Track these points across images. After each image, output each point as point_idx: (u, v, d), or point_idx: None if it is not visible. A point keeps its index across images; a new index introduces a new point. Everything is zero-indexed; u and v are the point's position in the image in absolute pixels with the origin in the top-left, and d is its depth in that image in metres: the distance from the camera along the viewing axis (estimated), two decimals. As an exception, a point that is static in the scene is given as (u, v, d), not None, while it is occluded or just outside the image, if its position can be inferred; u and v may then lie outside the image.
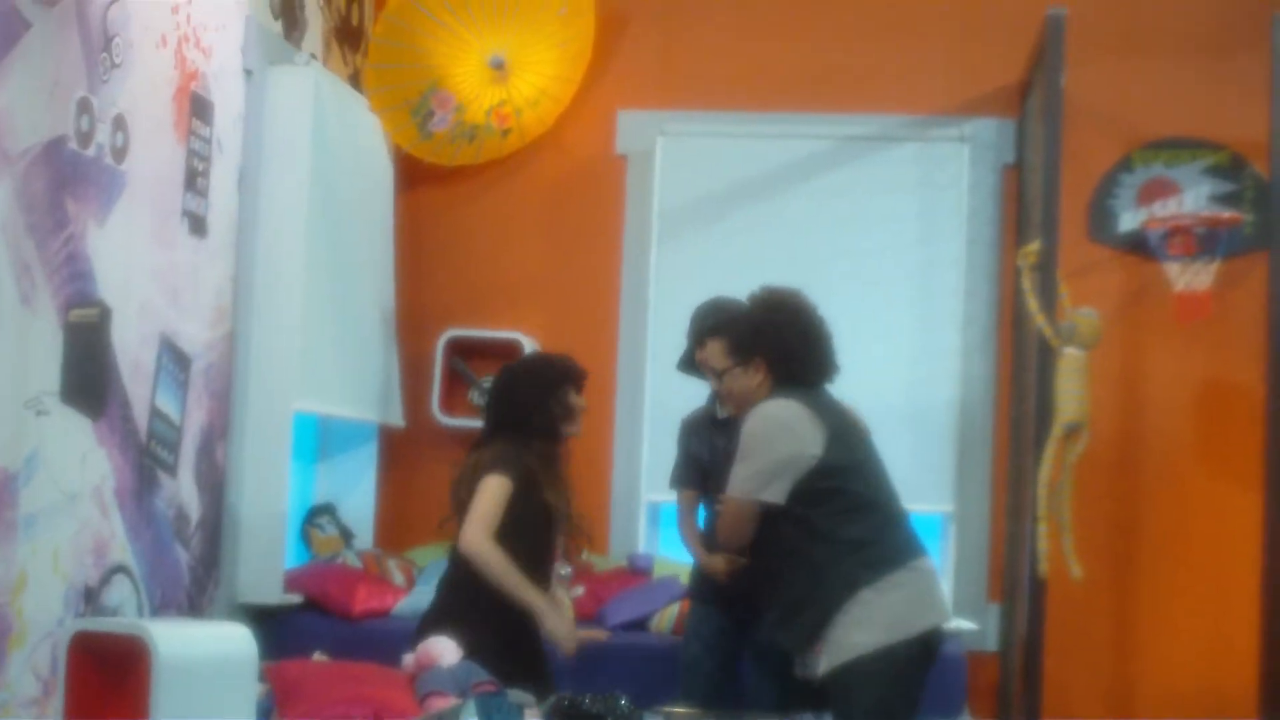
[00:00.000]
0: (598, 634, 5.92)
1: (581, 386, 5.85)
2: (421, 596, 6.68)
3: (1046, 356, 6.46)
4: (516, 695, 4.89)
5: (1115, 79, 7.40)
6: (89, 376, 5.31)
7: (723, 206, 7.72)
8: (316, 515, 7.43)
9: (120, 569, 5.54)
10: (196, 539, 6.17)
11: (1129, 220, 7.36)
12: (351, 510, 7.55)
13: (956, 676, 6.55)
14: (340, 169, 7.04)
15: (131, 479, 5.60)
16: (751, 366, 5.45)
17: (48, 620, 5.08)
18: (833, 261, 7.51)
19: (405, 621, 6.52)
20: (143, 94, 5.59)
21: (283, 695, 4.83)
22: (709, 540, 6.08)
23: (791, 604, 5.23)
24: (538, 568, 5.63)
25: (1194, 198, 7.29)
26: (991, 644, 7.22)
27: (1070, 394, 6.37)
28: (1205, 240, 7.05)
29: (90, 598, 5.33)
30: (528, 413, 5.70)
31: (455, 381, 7.69)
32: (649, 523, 7.62)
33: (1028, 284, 6.56)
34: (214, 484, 6.31)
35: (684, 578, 6.59)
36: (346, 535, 7.42)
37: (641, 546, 7.52)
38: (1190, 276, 7.04)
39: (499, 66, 7.65)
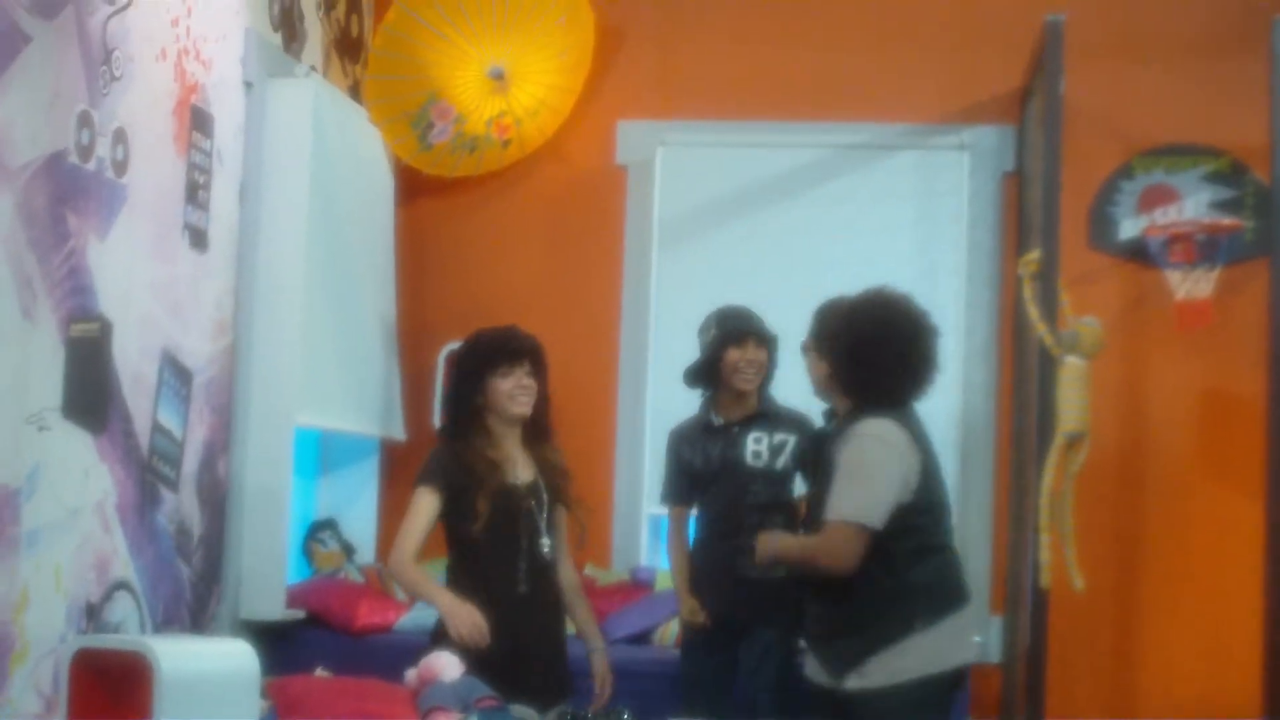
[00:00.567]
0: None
1: (515, 362, 5.57)
2: (424, 612, 6.67)
3: (1048, 365, 6.45)
4: (519, 710, 4.88)
5: (1115, 85, 7.39)
6: (90, 391, 5.30)
7: (723, 216, 7.71)
8: (318, 530, 7.43)
9: (122, 585, 5.53)
10: (198, 554, 6.16)
11: (1130, 227, 7.35)
12: (353, 525, 7.54)
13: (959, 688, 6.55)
14: (340, 181, 7.03)
15: (133, 494, 5.59)
16: (823, 357, 5.50)
17: (50, 637, 5.07)
18: (833, 270, 7.45)
19: (407, 636, 6.52)
20: (143, 107, 5.59)
21: (285, 711, 4.83)
22: (704, 556, 6.08)
23: (842, 623, 5.19)
24: (507, 564, 5.50)
25: (1194, 204, 7.28)
26: (994, 656, 7.20)
27: (1072, 403, 6.35)
28: (1206, 247, 7.04)
29: (92, 614, 5.32)
30: (457, 404, 5.64)
31: (456, 393, 7.68)
32: (651, 535, 7.59)
33: (1028, 292, 6.55)
34: (216, 499, 6.30)
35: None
36: (348, 550, 7.41)
37: (644, 559, 7.50)
38: (1191, 284, 7.03)
39: (499, 77, 7.65)
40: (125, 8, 5.44)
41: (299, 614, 6.67)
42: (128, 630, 5.55)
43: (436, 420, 7.52)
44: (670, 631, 6.68)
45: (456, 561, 5.59)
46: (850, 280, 7.23)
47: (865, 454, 5.22)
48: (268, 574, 6.47)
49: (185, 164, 5.96)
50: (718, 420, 6.14)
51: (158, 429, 5.77)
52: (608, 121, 7.80)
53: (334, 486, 7.64)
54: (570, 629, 5.79)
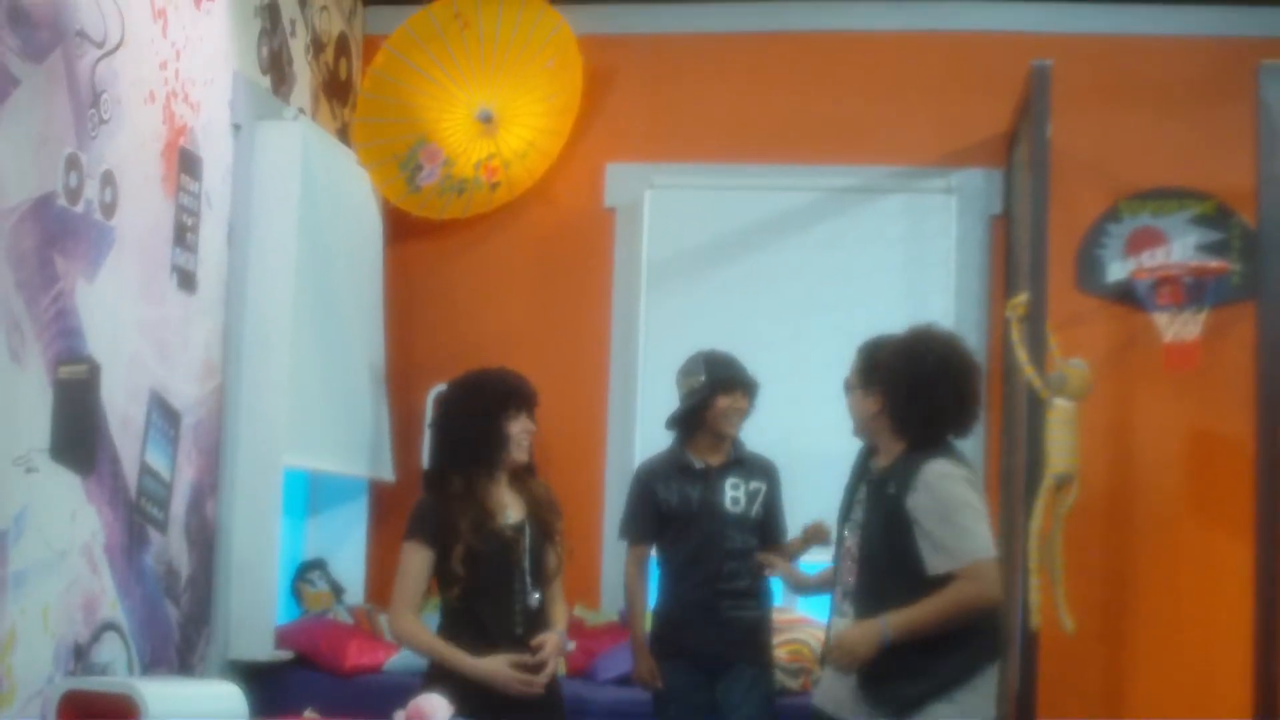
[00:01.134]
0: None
1: (525, 408, 5.51)
2: (413, 653, 6.67)
3: (1036, 407, 6.45)
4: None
5: (1101, 129, 7.42)
6: (78, 433, 5.30)
7: (712, 258, 7.72)
8: (307, 571, 7.42)
9: (110, 626, 5.52)
10: (187, 595, 6.15)
11: (1117, 270, 7.37)
12: (342, 565, 7.54)
13: (950, 730, 6.55)
14: (329, 223, 7.04)
15: (121, 535, 5.59)
16: (871, 395, 5.33)
17: (37, 678, 5.06)
18: (821, 312, 7.50)
19: (397, 677, 6.51)
20: (131, 150, 5.60)
21: (274, 753, 4.82)
22: (679, 597, 6.07)
23: (902, 666, 5.08)
24: (502, 608, 5.42)
25: (1181, 247, 7.31)
26: (984, 696, 7.19)
27: (1060, 445, 6.36)
28: (1193, 290, 7.06)
29: (80, 655, 5.31)
30: (461, 447, 5.45)
31: (445, 435, 7.68)
32: (639, 574, 7.59)
33: (1016, 335, 6.56)
34: (204, 540, 6.30)
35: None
36: (337, 591, 7.40)
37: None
38: (1179, 326, 7.04)
39: (487, 120, 7.67)
40: (114, 51, 5.46)
41: (288, 655, 6.66)
42: (115, 671, 5.54)
43: (426, 462, 7.53)
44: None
45: (451, 608, 5.43)
46: (838, 322, 7.30)
47: (955, 493, 5.12)
48: (256, 615, 6.46)
49: (173, 206, 5.97)
50: (699, 464, 6.15)
51: (146, 470, 5.76)
52: (596, 164, 7.82)
53: (323, 527, 7.64)
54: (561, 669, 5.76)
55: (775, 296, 7.58)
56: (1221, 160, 7.20)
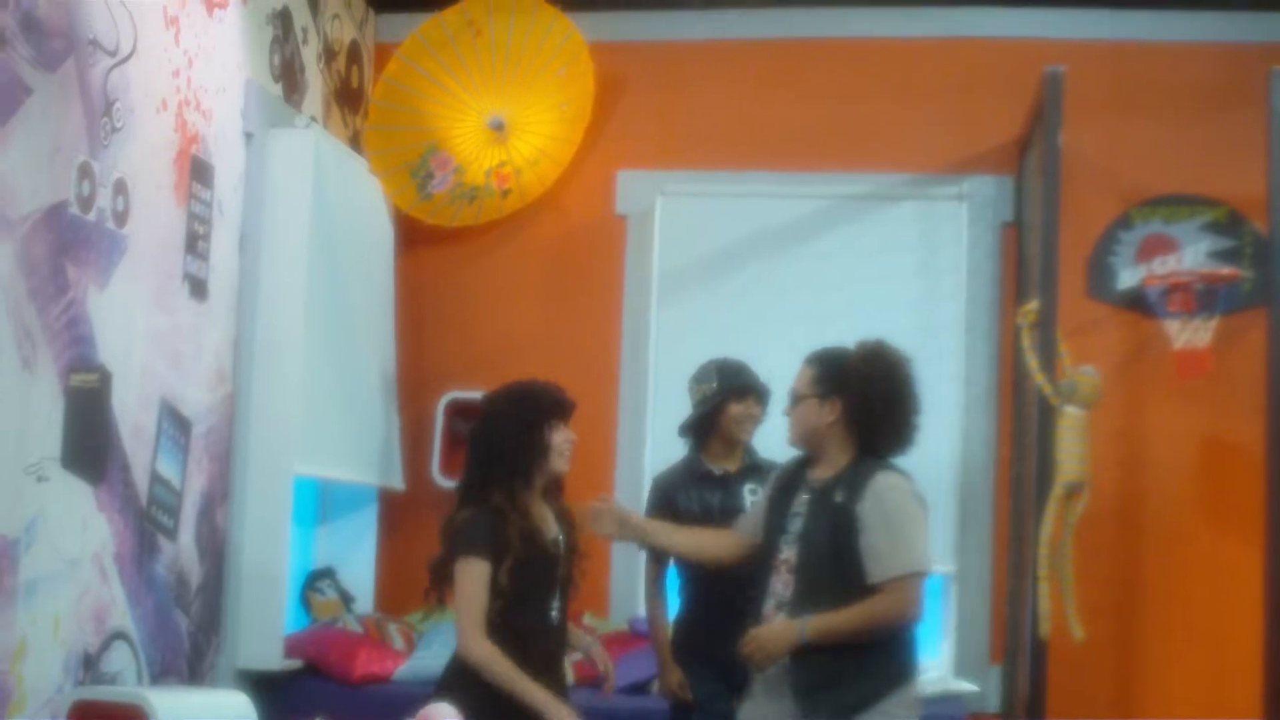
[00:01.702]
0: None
1: (566, 418, 5.47)
2: (423, 661, 6.67)
3: (1047, 415, 6.46)
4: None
5: (1113, 136, 7.42)
6: (90, 441, 5.31)
7: (723, 266, 7.72)
8: (317, 579, 7.42)
9: (120, 635, 5.53)
10: (197, 604, 6.15)
11: (1128, 277, 7.36)
12: (352, 574, 7.53)
13: (959, 738, 6.57)
14: (340, 231, 7.04)
15: (132, 544, 5.59)
16: (828, 404, 5.34)
17: (48, 687, 5.07)
18: (832, 320, 7.46)
19: (406, 686, 6.51)
20: (143, 158, 5.61)
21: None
22: (708, 605, 6.04)
23: (839, 674, 5.16)
24: (540, 619, 5.40)
25: (1193, 254, 7.29)
26: (993, 706, 7.19)
27: (1071, 453, 6.36)
28: (1204, 297, 7.05)
29: (90, 664, 5.32)
30: (504, 456, 5.35)
31: (456, 444, 7.66)
32: (652, 584, 7.58)
33: (1027, 342, 6.55)
34: (214, 548, 6.30)
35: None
36: (347, 599, 7.40)
37: (642, 610, 7.45)
38: (1190, 333, 7.03)
39: (498, 128, 7.67)
40: (126, 59, 5.47)
41: (297, 664, 6.66)
42: (125, 680, 5.54)
43: (436, 470, 7.53)
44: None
45: (489, 620, 5.26)
46: (850, 330, 7.26)
47: (904, 506, 5.22)
48: (266, 623, 6.46)
49: (185, 214, 5.98)
50: (716, 469, 6.13)
51: (156, 479, 5.77)
52: (607, 172, 7.82)
53: (333, 535, 7.63)
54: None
55: (786, 304, 7.58)
56: (1233, 167, 7.19)
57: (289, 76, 6.97)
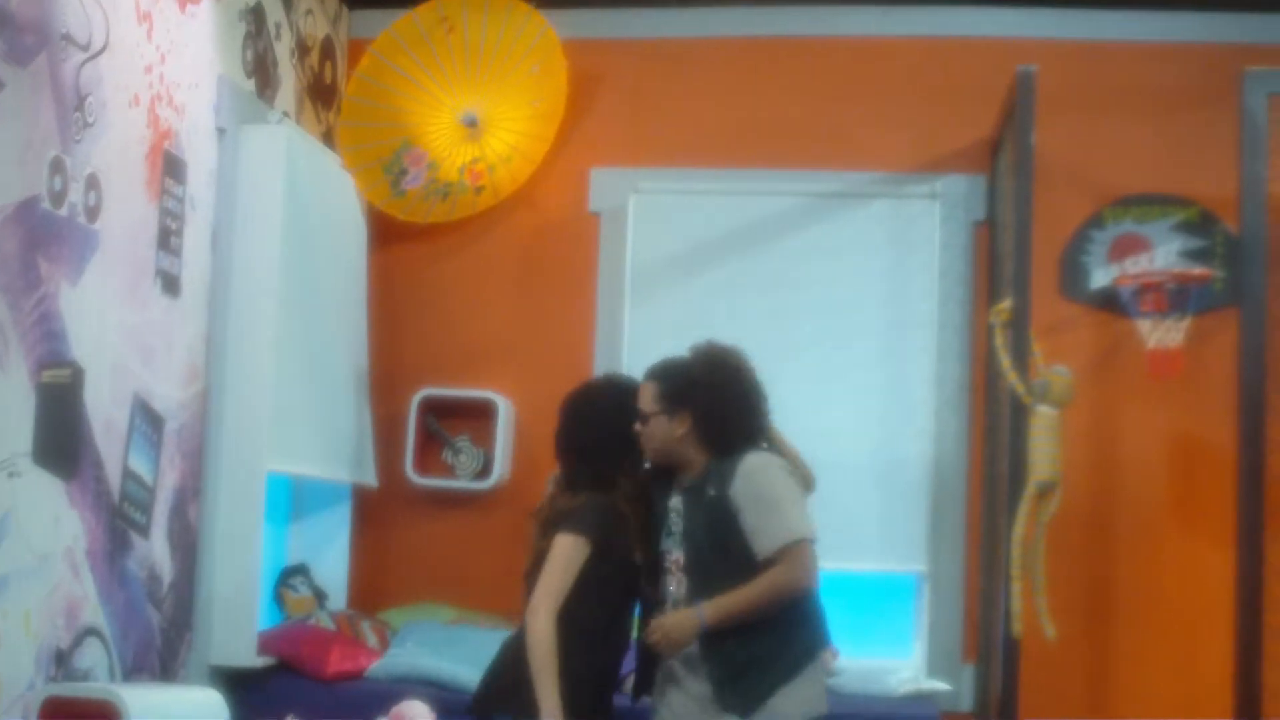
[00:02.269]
0: None
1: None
2: (396, 658, 6.67)
3: (1019, 414, 6.46)
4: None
5: (1085, 135, 7.42)
6: (61, 437, 5.29)
7: (696, 263, 7.71)
8: (290, 576, 7.40)
9: (92, 631, 5.51)
10: (169, 600, 6.14)
11: (1100, 277, 7.36)
12: (325, 571, 7.51)
13: (931, 737, 6.57)
14: (313, 227, 7.03)
15: (104, 540, 5.58)
16: (677, 418, 5.48)
17: (18, 683, 5.05)
18: (804, 318, 7.50)
19: (379, 684, 6.52)
20: (116, 153, 5.60)
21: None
22: None
23: (750, 660, 5.25)
24: (626, 621, 5.50)
25: (1165, 254, 7.30)
26: (966, 705, 7.20)
27: (1043, 452, 6.37)
28: (1176, 297, 7.06)
29: (61, 660, 5.30)
30: (609, 445, 5.55)
31: (429, 441, 7.67)
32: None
33: (1000, 341, 6.56)
34: (187, 545, 6.29)
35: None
36: (320, 596, 7.39)
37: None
38: (1162, 333, 7.05)
39: (472, 124, 7.67)
40: (99, 54, 5.45)
41: (270, 660, 6.64)
42: (97, 677, 5.53)
43: (409, 467, 7.53)
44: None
45: (576, 612, 5.35)
46: (822, 327, 7.29)
47: (775, 479, 5.39)
48: (239, 620, 6.45)
49: (158, 210, 5.96)
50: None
51: (129, 475, 5.76)
52: (581, 169, 7.81)
53: (305, 532, 7.62)
54: None
55: (759, 302, 7.57)
56: (1205, 167, 7.21)
57: (262, 72, 6.95)
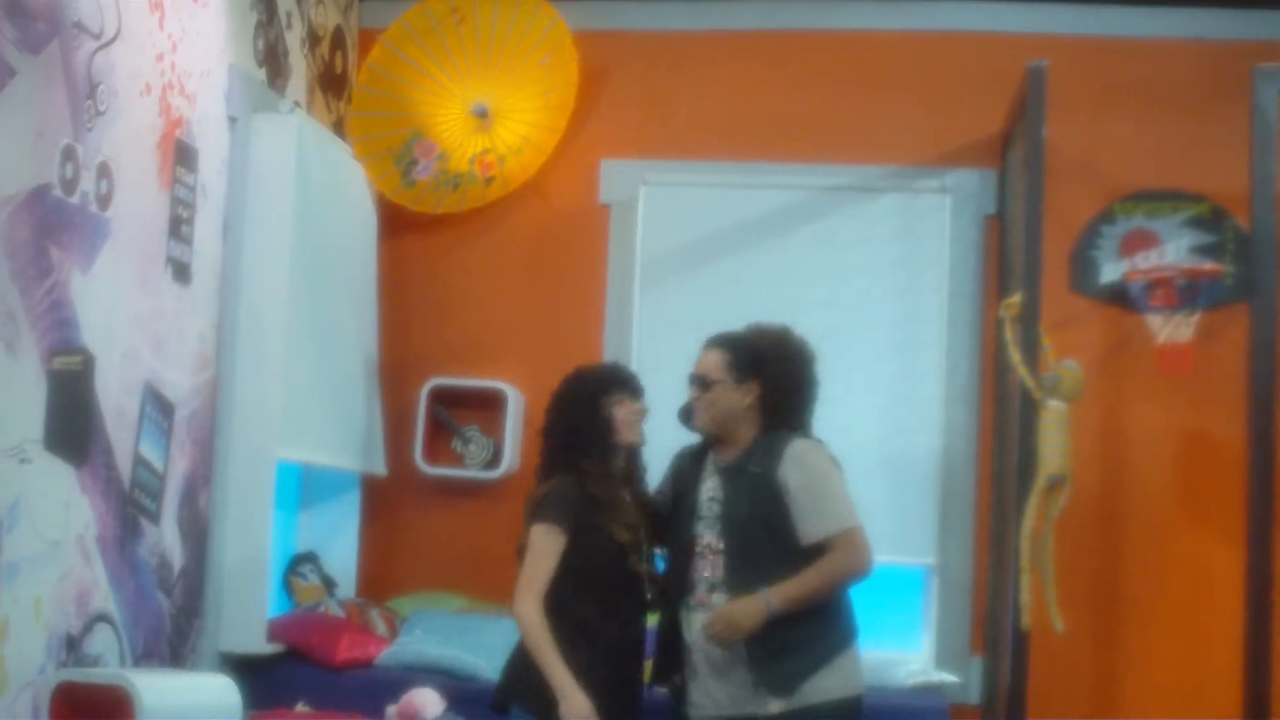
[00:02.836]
0: None
1: (632, 392, 5.65)
2: (405, 646, 6.67)
3: (1029, 408, 6.47)
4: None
5: (1096, 131, 7.43)
6: (72, 424, 5.30)
7: (705, 256, 7.72)
8: (299, 564, 7.41)
9: (102, 617, 5.52)
10: (179, 587, 6.15)
11: (1110, 271, 7.36)
12: (334, 559, 7.52)
13: (939, 730, 6.58)
14: (323, 217, 7.04)
15: (114, 527, 5.59)
16: (744, 387, 5.48)
17: (29, 669, 5.06)
18: (814, 311, 7.46)
19: (388, 671, 6.53)
20: (127, 141, 5.60)
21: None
22: None
23: (793, 643, 5.24)
24: (622, 603, 5.48)
25: (1175, 249, 7.31)
26: (974, 697, 7.20)
27: (1053, 446, 6.38)
28: (1186, 292, 7.06)
29: (72, 646, 5.31)
30: (572, 434, 5.57)
31: (438, 430, 7.68)
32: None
33: (1010, 335, 6.56)
34: (197, 532, 6.30)
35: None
36: (329, 584, 7.39)
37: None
38: (1172, 328, 7.04)
39: (482, 115, 7.67)
40: (111, 42, 5.46)
41: (279, 648, 6.65)
42: (107, 663, 5.54)
43: (419, 456, 7.53)
44: (645, 671, 6.61)
45: (567, 602, 5.39)
46: (831, 321, 7.29)
47: (823, 466, 5.42)
48: (248, 607, 6.46)
49: (169, 198, 5.97)
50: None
51: (139, 462, 5.76)
52: (591, 160, 7.81)
53: (315, 520, 7.62)
54: None
55: (769, 295, 7.55)
56: (1215, 163, 7.21)
57: (273, 61, 6.96)
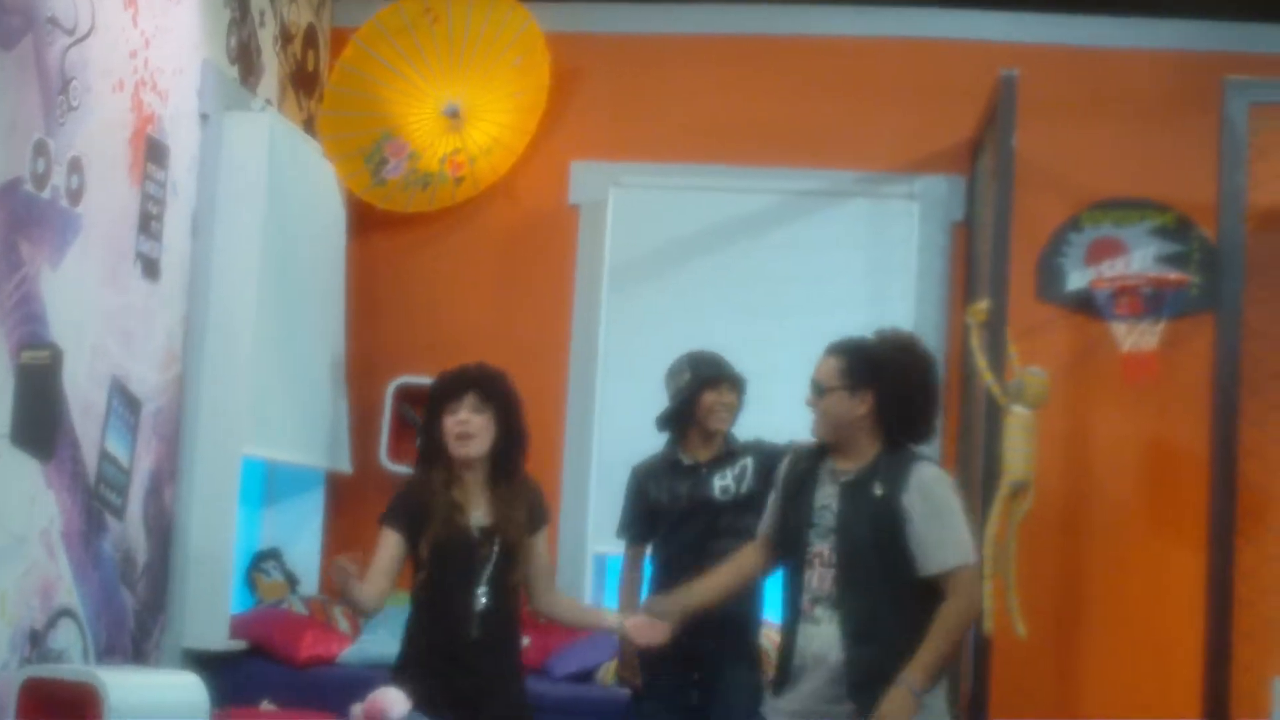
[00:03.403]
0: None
1: (457, 400, 5.44)
2: (368, 644, 6.68)
3: (994, 414, 6.49)
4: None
5: (1065, 139, 7.46)
6: (39, 419, 5.30)
7: (674, 259, 7.73)
8: (262, 560, 7.41)
9: (66, 612, 5.52)
10: (143, 583, 6.14)
11: (1077, 279, 7.40)
12: (297, 556, 7.52)
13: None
14: (293, 214, 7.04)
15: (79, 521, 5.59)
16: (859, 395, 5.24)
17: (-7, 663, 5.06)
18: (782, 315, 7.51)
19: (351, 669, 6.53)
20: (99, 137, 5.60)
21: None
22: (666, 591, 5.99)
23: (886, 669, 5.03)
24: (460, 607, 5.35)
25: (1141, 258, 7.34)
26: (935, 700, 7.22)
27: (1017, 452, 6.39)
28: (1151, 301, 7.10)
29: (36, 641, 5.31)
30: (421, 442, 5.57)
31: (404, 429, 7.67)
32: (595, 574, 7.60)
33: (976, 341, 6.58)
34: (161, 528, 6.29)
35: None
36: (292, 581, 7.39)
37: (588, 598, 7.50)
38: (1137, 337, 7.08)
39: (454, 115, 7.68)
40: (84, 38, 5.45)
41: (242, 644, 6.65)
42: (70, 658, 5.53)
43: (384, 454, 7.54)
44: (614, 669, 6.64)
45: (414, 600, 5.45)
46: (799, 325, 7.29)
47: (948, 498, 5.19)
48: (212, 603, 6.46)
49: (139, 194, 5.97)
50: (687, 459, 6.12)
51: (105, 457, 5.76)
52: (561, 161, 7.82)
53: (279, 517, 7.62)
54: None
55: (737, 298, 7.59)
56: (1183, 173, 7.24)
57: (245, 59, 6.96)
